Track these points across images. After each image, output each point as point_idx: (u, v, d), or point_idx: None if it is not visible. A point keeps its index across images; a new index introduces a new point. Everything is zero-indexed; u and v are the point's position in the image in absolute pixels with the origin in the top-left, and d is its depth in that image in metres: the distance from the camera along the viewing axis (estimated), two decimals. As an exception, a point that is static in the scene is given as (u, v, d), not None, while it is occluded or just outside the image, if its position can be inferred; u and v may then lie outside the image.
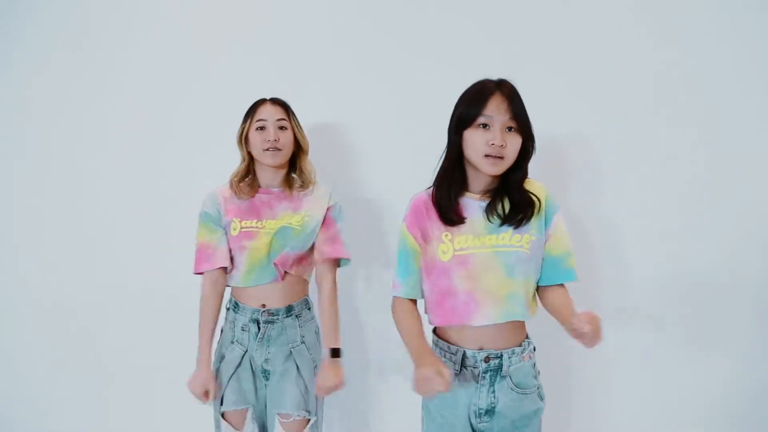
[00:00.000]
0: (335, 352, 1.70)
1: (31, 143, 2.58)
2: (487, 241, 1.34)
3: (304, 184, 1.77)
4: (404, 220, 1.42)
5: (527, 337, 1.42)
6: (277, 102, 1.76)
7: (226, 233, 1.74)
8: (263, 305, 1.71)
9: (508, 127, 1.31)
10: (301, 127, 1.78)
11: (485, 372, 1.34)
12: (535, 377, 1.40)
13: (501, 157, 1.30)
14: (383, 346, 2.21)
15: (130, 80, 2.48)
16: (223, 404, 1.72)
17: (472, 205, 1.37)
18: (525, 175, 1.38)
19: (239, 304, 1.73)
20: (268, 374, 1.72)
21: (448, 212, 1.36)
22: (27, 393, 2.66)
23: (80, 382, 2.61)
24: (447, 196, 1.37)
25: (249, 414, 1.74)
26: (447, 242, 1.35)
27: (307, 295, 1.80)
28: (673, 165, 2.15)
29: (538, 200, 1.36)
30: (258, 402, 1.75)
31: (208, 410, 1.81)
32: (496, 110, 1.29)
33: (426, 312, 1.43)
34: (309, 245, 1.74)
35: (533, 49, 2.15)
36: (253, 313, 1.70)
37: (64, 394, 2.62)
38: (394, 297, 1.44)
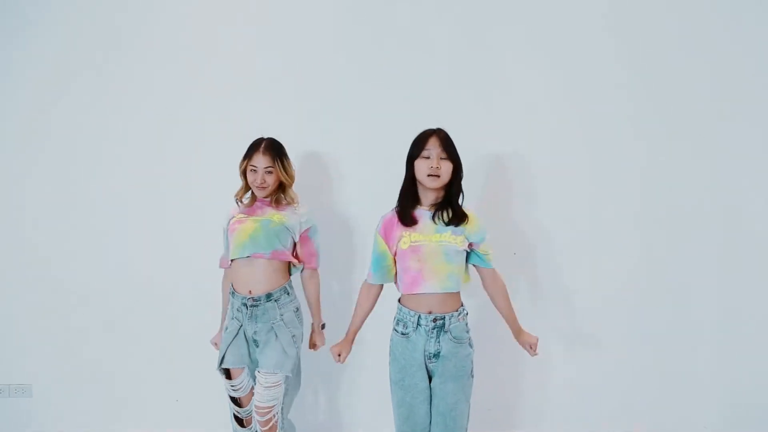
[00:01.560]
0: (322, 326, 2.43)
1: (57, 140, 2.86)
2: (433, 238, 1.99)
3: (288, 204, 2.33)
4: (377, 230, 2.07)
5: (462, 305, 2.05)
6: (267, 152, 2.25)
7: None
8: (250, 292, 2.25)
9: (441, 157, 1.97)
10: (285, 167, 2.29)
11: (433, 329, 1.97)
12: (467, 332, 2.04)
13: (438, 176, 1.97)
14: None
15: (145, 81, 2.81)
16: (223, 363, 2.27)
17: (423, 213, 2.03)
18: (459, 191, 2.04)
19: (234, 291, 2.29)
20: (257, 343, 2.26)
21: (407, 218, 2.02)
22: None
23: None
24: (405, 206, 2.04)
25: (245, 372, 2.29)
26: (406, 237, 2.01)
27: (285, 284, 2.29)
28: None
29: (467, 219, 2.02)
30: (252, 363, 2.29)
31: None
32: (433, 146, 1.98)
33: (397, 287, 2.10)
34: (281, 241, 2.26)
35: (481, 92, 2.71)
36: (243, 299, 2.25)
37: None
38: (364, 281, 2.17)
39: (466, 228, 2.00)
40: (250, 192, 2.33)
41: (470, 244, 2.03)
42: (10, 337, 2.91)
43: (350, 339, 2.16)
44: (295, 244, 2.32)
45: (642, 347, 2.77)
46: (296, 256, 2.32)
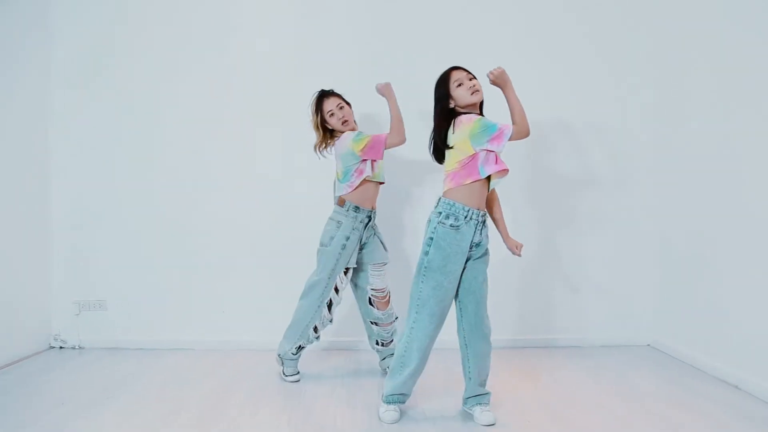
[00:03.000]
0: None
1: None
2: None
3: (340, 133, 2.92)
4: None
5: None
6: (331, 94, 2.90)
7: None
8: (372, 207, 2.94)
9: (469, 78, 2.35)
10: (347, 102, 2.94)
11: (478, 223, 2.34)
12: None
13: (478, 90, 2.34)
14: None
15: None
16: (349, 262, 2.90)
17: None
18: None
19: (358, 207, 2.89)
20: (364, 248, 2.95)
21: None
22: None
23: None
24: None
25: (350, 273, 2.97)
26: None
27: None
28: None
29: None
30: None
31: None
32: (461, 74, 2.37)
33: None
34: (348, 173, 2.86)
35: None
36: (364, 214, 2.88)
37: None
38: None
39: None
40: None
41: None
42: (87, 259, 3.54)
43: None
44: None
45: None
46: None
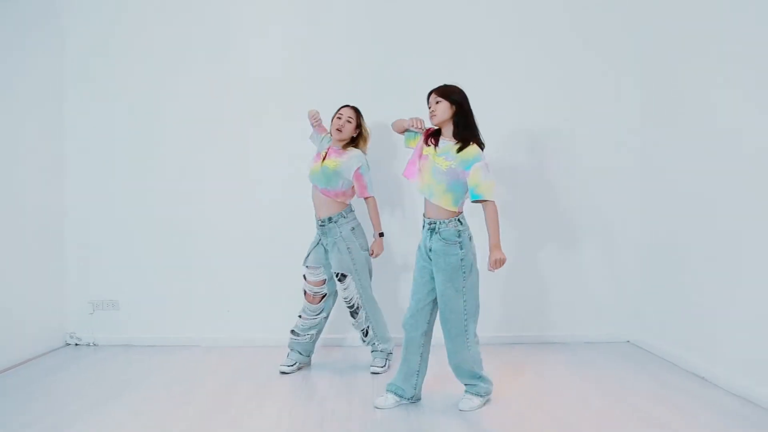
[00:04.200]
0: (381, 234, 3.19)
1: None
2: (433, 158, 2.59)
3: (352, 149, 3.16)
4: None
5: (456, 216, 2.56)
6: (352, 108, 3.19)
7: None
8: (319, 216, 3.16)
9: (436, 101, 2.59)
10: (360, 125, 3.19)
11: (428, 230, 2.59)
12: (458, 236, 2.54)
13: (434, 115, 2.59)
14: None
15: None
16: (307, 261, 3.21)
17: (442, 141, 2.64)
18: (464, 125, 2.57)
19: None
20: (327, 251, 3.18)
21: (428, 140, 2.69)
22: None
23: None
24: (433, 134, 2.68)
25: (321, 270, 3.22)
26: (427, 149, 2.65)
27: (341, 210, 3.13)
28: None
29: (465, 148, 2.54)
30: (328, 265, 3.22)
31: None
32: (432, 98, 2.64)
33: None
34: (331, 183, 3.08)
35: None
36: (316, 220, 3.18)
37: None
38: None
39: (459, 155, 2.51)
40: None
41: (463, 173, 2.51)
42: (100, 260, 3.75)
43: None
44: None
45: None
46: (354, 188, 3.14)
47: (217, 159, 3.72)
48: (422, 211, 2.65)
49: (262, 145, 3.71)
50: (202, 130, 3.71)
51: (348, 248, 3.11)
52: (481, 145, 2.56)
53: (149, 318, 3.74)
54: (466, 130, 2.55)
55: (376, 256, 3.19)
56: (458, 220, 2.57)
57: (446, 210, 2.55)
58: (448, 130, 2.58)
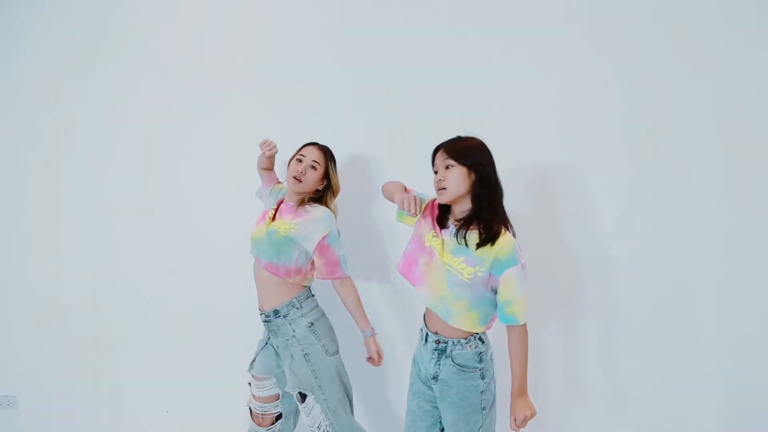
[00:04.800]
0: (370, 335, 2.11)
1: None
2: (444, 256, 1.73)
3: (314, 209, 2.11)
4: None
5: (478, 337, 1.76)
6: (321, 149, 2.15)
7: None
8: (262, 307, 2.16)
9: (448, 165, 1.71)
10: (329, 173, 2.15)
11: (435, 350, 1.79)
12: (479, 362, 1.75)
13: (443, 188, 1.71)
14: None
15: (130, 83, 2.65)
16: (252, 369, 2.24)
17: (450, 228, 1.79)
18: (491, 205, 1.70)
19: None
20: (280, 356, 2.18)
21: (440, 218, 1.82)
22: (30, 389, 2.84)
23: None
24: (443, 208, 1.83)
25: (272, 381, 2.23)
26: (431, 235, 1.80)
27: (293, 297, 2.10)
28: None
29: (494, 243, 1.66)
30: (280, 373, 2.21)
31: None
32: (438, 158, 1.77)
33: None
34: (280, 254, 2.07)
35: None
36: (260, 313, 2.18)
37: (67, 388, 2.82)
38: None
39: (487, 256, 1.67)
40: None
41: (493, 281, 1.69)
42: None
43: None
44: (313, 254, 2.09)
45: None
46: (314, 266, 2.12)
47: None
48: (422, 309, 1.88)
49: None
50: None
51: (305, 355, 2.07)
52: (512, 232, 1.74)
53: (56, 419, 2.82)
54: (491, 212, 1.69)
55: (378, 364, 2.13)
56: (480, 338, 1.78)
57: (466, 331, 1.77)
58: (463, 207, 1.73)
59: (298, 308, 2.09)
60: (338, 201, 2.20)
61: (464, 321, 1.71)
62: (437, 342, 1.76)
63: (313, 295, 2.17)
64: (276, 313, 2.09)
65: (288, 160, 2.16)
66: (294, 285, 2.10)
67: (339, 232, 2.11)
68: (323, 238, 2.03)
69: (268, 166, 2.30)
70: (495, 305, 1.71)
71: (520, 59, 2.33)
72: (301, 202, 2.11)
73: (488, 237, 1.65)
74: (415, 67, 2.39)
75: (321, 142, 2.18)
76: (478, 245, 1.65)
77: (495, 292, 1.69)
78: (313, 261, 2.10)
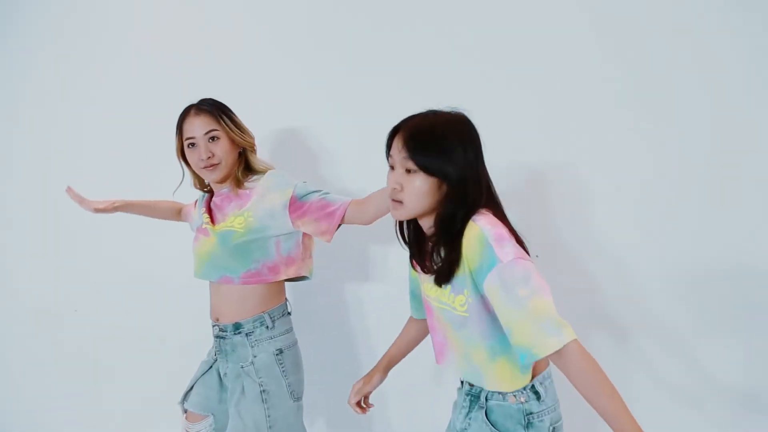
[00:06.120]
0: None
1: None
2: (431, 293, 1.26)
3: (256, 180, 1.61)
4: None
5: (531, 387, 1.22)
6: (202, 112, 1.56)
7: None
8: (217, 319, 1.64)
9: (408, 168, 1.16)
10: (238, 125, 1.59)
11: (466, 395, 1.30)
12: (525, 427, 1.20)
13: (399, 201, 1.19)
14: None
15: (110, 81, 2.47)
16: (187, 401, 1.70)
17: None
18: (457, 217, 1.18)
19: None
20: (226, 389, 1.65)
21: (412, 254, 1.32)
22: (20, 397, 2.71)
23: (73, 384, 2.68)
24: (404, 235, 1.34)
25: (209, 422, 1.68)
26: (423, 282, 1.31)
27: (268, 309, 1.60)
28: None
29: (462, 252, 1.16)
30: (223, 412, 1.67)
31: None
32: (395, 151, 1.23)
33: None
34: (258, 255, 1.57)
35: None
36: (213, 324, 1.65)
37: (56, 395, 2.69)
38: None
39: (463, 267, 1.15)
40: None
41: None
42: None
43: (378, 368, 1.52)
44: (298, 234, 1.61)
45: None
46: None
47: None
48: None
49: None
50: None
51: (262, 392, 1.54)
52: (496, 205, 1.22)
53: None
54: (463, 210, 1.17)
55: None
56: (532, 389, 1.22)
57: (507, 376, 1.23)
58: (430, 223, 1.22)
59: (267, 327, 1.58)
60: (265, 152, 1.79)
61: (497, 377, 1.20)
62: (471, 385, 1.28)
63: (289, 313, 1.67)
64: (237, 327, 1.57)
65: (177, 153, 1.64)
66: (270, 289, 1.60)
67: (305, 181, 1.62)
68: (291, 200, 1.53)
69: (166, 216, 1.85)
70: None
71: (520, 59, 2.31)
72: (237, 184, 1.61)
73: (445, 242, 1.16)
74: (415, 67, 2.34)
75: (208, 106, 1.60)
76: (442, 272, 1.19)
77: None
78: (303, 238, 1.60)
